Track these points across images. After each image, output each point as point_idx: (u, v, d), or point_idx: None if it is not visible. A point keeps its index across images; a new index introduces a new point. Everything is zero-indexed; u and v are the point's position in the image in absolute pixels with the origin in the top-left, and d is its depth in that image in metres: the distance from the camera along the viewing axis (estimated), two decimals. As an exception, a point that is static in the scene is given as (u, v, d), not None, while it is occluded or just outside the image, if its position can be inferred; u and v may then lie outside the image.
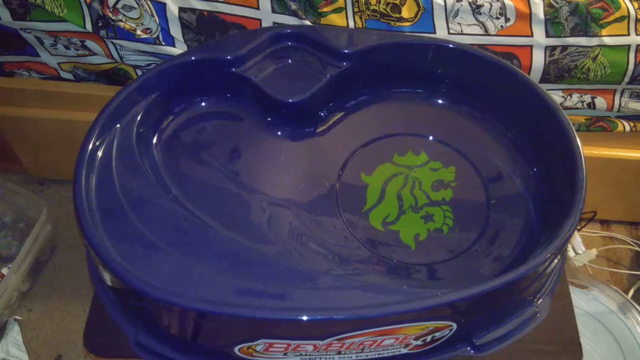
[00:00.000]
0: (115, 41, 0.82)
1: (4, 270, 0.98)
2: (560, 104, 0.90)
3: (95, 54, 0.87)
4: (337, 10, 0.80)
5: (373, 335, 0.49)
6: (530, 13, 0.81)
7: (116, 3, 0.79)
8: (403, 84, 0.72)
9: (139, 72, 0.90)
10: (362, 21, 0.81)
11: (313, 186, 0.63)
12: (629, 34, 0.82)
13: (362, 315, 0.47)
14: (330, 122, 0.69)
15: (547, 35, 0.82)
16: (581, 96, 0.91)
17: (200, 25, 0.81)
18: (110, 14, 0.79)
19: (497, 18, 0.81)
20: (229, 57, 0.65)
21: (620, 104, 0.91)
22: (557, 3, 0.81)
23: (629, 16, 0.82)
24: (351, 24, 0.81)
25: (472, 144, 0.67)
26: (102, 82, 0.94)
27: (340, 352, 0.51)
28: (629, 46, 0.83)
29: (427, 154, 0.67)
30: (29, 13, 0.81)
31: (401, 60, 0.69)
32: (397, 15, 0.80)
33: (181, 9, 0.80)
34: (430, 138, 0.68)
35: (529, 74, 0.85)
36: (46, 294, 1.06)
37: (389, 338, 0.50)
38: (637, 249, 1.15)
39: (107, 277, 0.53)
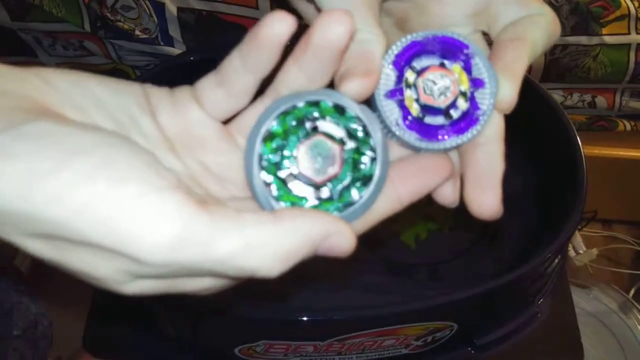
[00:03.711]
0: (113, 41, 0.82)
1: (4, 272, 0.98)
2: (561, 103, 0.90)
3: (93, 55, 0.87)
4: (337, 10, 0.80)
5: (373, 335, 0.49)
6: (530, 12, 0.81)
7: (114, 3, 0.79)
8: (403, 83, 0.71)
9: (138, 73, 0.90)
10: (361, 21, 0.81)
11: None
12: (629, 33, 0.82)
13: (362, 315, 0.47)
14: (330, 122, 0.69)
15: (547, 35, 0.82)
16: (582, 95, 0.91)
17: (199, 25, 0.81)
18: (108, 14, 0.79)
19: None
20: (228, 57, 0.65)
21: (620, 103, 0.91)
22: (557, 2, 0.81)
23: (629, 15, 0.82)
24: (351, 24, 0.80)
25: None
26: (101, 82, 0.94)
27: (341, 352, 0.51)
28: (629, 45, 0.83)
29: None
30: (27, 14, 0.81)
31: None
32: (397, 15, 0.80)
33: (180, 9, 0.80)
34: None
35: (529, 73, 0.85)
36: (46, 294, 1.06)
37: (390, 339, 0.50)
38: (638, 248, 1.15)
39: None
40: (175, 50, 0.82)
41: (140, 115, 0.23)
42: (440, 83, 0.25)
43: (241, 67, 0.24)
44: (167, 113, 0.24)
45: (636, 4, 0.82)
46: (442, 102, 0.25)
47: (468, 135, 0.25)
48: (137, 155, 0.19)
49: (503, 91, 0.25)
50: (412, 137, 0.25)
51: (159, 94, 0.25)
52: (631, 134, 0.96)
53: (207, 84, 0.25)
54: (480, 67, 0.25)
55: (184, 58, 0.65)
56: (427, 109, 0.25)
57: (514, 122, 0.73)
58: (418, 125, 0.25)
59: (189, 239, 0.19)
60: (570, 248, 1.01)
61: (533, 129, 0.65)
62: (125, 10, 0.79)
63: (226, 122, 0.25)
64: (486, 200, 0.26)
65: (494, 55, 0.26)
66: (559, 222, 0.52)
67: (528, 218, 0.61)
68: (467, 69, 0.25)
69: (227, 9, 0.80)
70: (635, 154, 0.98)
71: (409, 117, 0.25)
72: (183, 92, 0.25)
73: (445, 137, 0.25)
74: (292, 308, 0.47)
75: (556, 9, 0.81)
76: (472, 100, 0.25)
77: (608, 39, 0.82)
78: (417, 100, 0.25)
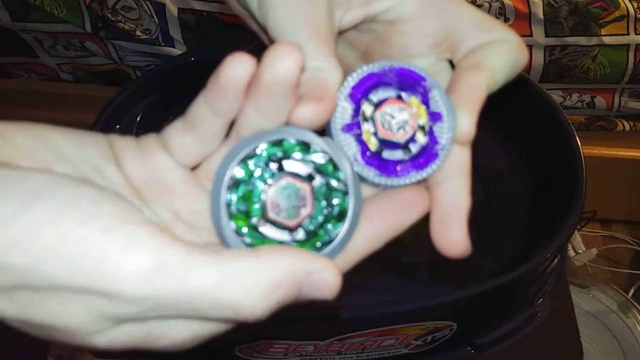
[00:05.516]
0: (114, 42, 0.82)
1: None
2: (560, 103, 0.90)
3: (94, 55, 0.87)
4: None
5: (373, 335, 0.49)
6: (530, 13, 0.81)
7: (115, 4, 0.79)
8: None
9: (139, 73, 0.90)
10: (361, 21, 0.81)
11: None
12: (628, 34, 0.83)
13: (362, 315, 0.47)
14: (330, 123, 0.69)
15: (547, 35, 0.82)
16: (581, 95, 0.91)
17: (199, 25, 0.81)
18: (109, 15, 0.79)
19: (497, 18, 0.81)
20: (228, 58, 0.65)
21: (619, 103, 0.91)
22: (556, 3, 0.81)
23: (628, 15, 0.82)
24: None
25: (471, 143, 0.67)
26: (101, 83, 0.94)
27: (341, 352, 0.51)
28: (628, 45, 0.83)
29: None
30: (29, 14, 0.81)
31: (400, 60, 0.69)
32: (397, 15, 0.80)
33: (180, 10, 0.80)
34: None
35: (528, 73, 0.85)
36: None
37: (390, 338, 0.50)
38: (637, 248, 1.15)
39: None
40: (176, 51, 0.82)
41: (104, 165, 0.22)
42: (399, 117, 0.24)
43: (208, 111, 0.23)
44: (133, 161, 0.23)
45: (635, 4, 0.82)
46: (401, 137, 0.24)
47: (428, 170, 0.24)
48: (103, 194, 0.18)
49: (460, 124, 0.24)
50: (370, 173, 0.24)
51: (123, 142, 0.23)
52: (630, 134, 0.97)
53: (175, 130, 0.24)
54: (437, 100, 0.25)
55: (184, 58, 0.65)
56: (385, 143, 0.24)
57: (513, 122, 0.73)
58: (377, 161, 0.24)
59: (165, 271, 0.18)
60: (569, 248, 1.01)
61: (532, 129, 0.65)
62: (126, 10, 0.79)
63: (193, 168, 0.24)
64: (452, 238, 0.25)
65: (451, 86, 0.25)
66: (558, 222, 0.52)
67: (528, 218, 0.61)
68: (425, 102, 0.25)
69: (227, 10, 0.80)
70: (634, 154, 0.98)
71: (367, 153, 0.24)
72: (149, 139, 0.24)
73: (405, 172, 0.24)
74: (291, 308, 0.47)
75: (555, 9, 0.81)
76: (431, 134, 0.25)
77: (607, 40, 0.82)
78: (375, 134, 0.24)
